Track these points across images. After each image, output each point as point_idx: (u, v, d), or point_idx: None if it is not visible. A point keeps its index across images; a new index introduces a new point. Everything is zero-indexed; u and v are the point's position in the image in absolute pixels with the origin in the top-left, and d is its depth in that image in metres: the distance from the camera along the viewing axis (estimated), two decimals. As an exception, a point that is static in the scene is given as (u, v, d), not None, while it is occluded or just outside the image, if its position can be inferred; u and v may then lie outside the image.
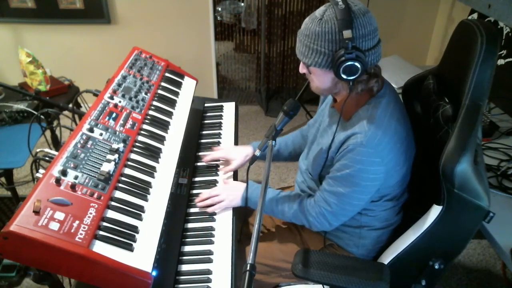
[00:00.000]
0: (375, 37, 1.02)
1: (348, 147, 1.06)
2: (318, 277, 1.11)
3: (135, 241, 0.96)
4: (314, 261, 1.13)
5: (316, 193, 1.21)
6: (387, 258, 1.18)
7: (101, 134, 1.17)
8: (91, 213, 0.94)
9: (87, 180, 1.01)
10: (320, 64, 1.04)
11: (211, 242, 1.17)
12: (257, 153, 1.15)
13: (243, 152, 1.46)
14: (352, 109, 1.11)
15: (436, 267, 1.14)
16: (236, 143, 1.61)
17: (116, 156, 1.12)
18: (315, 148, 1.25)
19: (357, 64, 0.98)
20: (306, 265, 1.12)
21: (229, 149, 1.49)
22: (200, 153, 1.53)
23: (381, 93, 1.10)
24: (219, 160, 1.48)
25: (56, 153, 1.07)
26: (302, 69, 1.13)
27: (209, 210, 1.28)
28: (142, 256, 0.94)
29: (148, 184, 1.14)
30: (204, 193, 1.32)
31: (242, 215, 1.55)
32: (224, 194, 1.30)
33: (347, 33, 0.96)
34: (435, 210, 1.05)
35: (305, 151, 1.39)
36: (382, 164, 1.05)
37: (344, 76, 1.00)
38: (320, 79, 1.10)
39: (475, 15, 2.43)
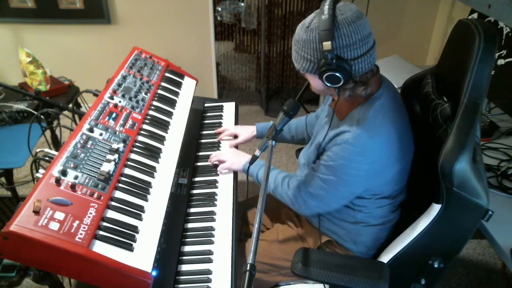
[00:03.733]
0: (365, 45, 1.01)
1: (336, 142, 1.11)
2: (317, 276, 1.11)
3: (135, 241, 0.96)
4: (314, 260, 1.13)
5: (294, 188, 1.27)
6: (386, 257, 1.18)
7: (101, 134, 1.17)
8: (91, 213, 0.94)
9: (87, 180, 1.01)
10: (308, 70, 1.06)
11: (211, 242, 1.17)
12: (257, 153, 1.15)
13: (249, 129, 1.62)
14: (347, 109, 1.14)
15: (436, 266, 1.14)
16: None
17: (116, 156, 1.12)
18: (314, 145, 1.28)
19: (337, 74, 0.99)
20: (306, 264, 1.12)
21: (235, 127, 1.65)
22: (200, 153, 1.53)
23: (377, 94, 1.11)
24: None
25: (56, 153, 1.07)
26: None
27: (218, 168, 1.43)
28: (142, 256, 0.94)
29: (148, 184, 1.14)
30: (213, 154, 1.48)
31: (241, 214, 1.55)
32: (229, 157, 1.43)
33: (326, 45, 0.97)
34: (434, 209, 1.05)
35: (306, 147, 1.42)
36: (366, 163, 1.08)
37: (328, 84, 1.02)
38: (312, 82, 1.13)
39: (475, 15, 2.43)
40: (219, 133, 1.63)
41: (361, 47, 1.00)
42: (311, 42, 1.01)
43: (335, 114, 1.19)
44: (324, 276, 1.11)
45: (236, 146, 1.59)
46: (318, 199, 1.20)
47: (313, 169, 1.19)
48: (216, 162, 1.45)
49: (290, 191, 1.26)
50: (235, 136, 1.61)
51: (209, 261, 1.12)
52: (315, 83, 1.12)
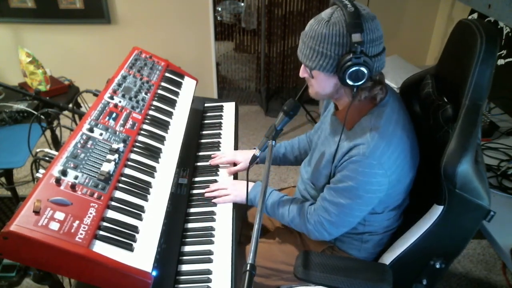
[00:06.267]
0: (381, 44, 1.00)
1: (351, 158, 1.03)
2: (320, 279, 1.10)
3: (135, 241, 0.96)
4: (316, 263, 1.13)
5: (317, 201, 1.19)
6: (388, 258, 1.18)
7: (101, 134, 1.16)
8: (91, 213, 0.94)
9: (87, 180, 1.01)
10: (324, 68, 1.01)
11: (211, 242, 1.17)
12: (257, 153, 1.15)
13: (249, 154, 1.45)
14: (354, 118, 1.08)
15: (437, 266, 1.14)
16: (236, 143, 1.61)
17: (116, 156, 1.11)
18: (316, 156, 1.23)
19: (364, 69, 0.95)
20: (308, 267, 1.12)
21: (235, 153, 1.49)
22: (200, 153, 1.53)
23: (384, 102, 1.07)
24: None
25: (56, 153, 1.07)
26: (303, 73, 1.10)
27: (214, 200, 1.32)
28: (142, 256, 0.94)
29: (148, 184, 1.14)
30: (214, 185, 1.36)
31: (242, 216, 1.55)
32: (231, 189, 1.33)
33: (356, 37, 0.94)
34: (436, 210, 1.05)
35: (307, 158, 1.38)
36: (385, 176, 1.03)
37: (349, 82, 0.98)
38: (321, 84, 1.08)
39: (475, 15, 2.43)
40: (217, 154, 1.50)
41: (379, 45, 0.99)
42: (334, 36, 0.96)
43: (341, 123, 1.13)
44: (327, 280, 1.10)
45: (236, 174, 1.47)
46: (344, 226, 1.15)
47: (332, 196, 1.11)
48: (215, 194, 1.33)
49: (310, 225, 1.18)
50: (234, 164, 1.47)
51: (209, 261, 1.12)
52: (324, 84, 1.07)
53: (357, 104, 1.07)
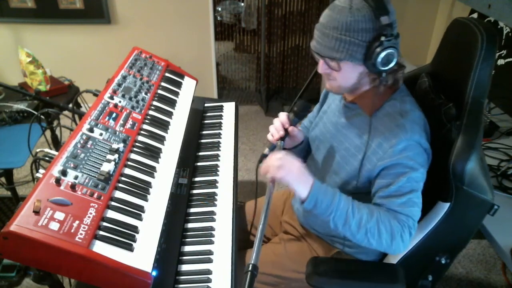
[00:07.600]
0: (397, 26, 1.00)
1: (394, 148, 0.98)
2: (334, 285, 1.10)
3: (135, 241, 0.96)
4: (327, 269, 1.12)
5: (393, 215, 1.00)
6: (395, 258, 1.18)
7: (101, 134, 1.16)
8: (91, 213, 0.94)
9: (87, 180, 1.01)
10: (354, 57, 0.97)
11: (211, 242, 1.17)
12: (266, 151, 1.13)
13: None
14: (375, 103, 1.05)
15: (443, 262, 1.15)
16: (236, 143, 1.60)
17: (116, 156, 1.11)
18: (329, 154, 1.17)
19: (395, 52, 0.94)
20: (320, 273, 1.10)
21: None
22: (200, 153, 1.53)
23: (402, 87, 1.07)
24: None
25: (56, 153, 1.07)
26: (324, 69, 1.03)
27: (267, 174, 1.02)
28: (142, 256, 0.94)
29: (148, 184, 1.14)
30: (277, 157, 1.02)
31: (242, 221, 1.53)
32: (291, 172, 0.99)
33: (385, 19, 0.92)
34: (442, 208, 1.06)
35: (313, 163, 1.27)
36: (426, 153, 1.02)
37: (380, 67, 0.95)
38: (346, 76, 1.02)
39: (475, 15, 2.42)
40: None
41: (397, 26, 0.99)
42: (360, 22, 0.93)
43: (363, 110, 1.09)
44: (341, 285, 1.09)
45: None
46: (414, 219, 1.00)
47: (397, 197, 0.98)
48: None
49: (387, 237, 0.98)
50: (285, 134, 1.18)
51: (209, 261, 1.12)
52: (349, 76, 1.02)
53: (376, 90, 1.04)
